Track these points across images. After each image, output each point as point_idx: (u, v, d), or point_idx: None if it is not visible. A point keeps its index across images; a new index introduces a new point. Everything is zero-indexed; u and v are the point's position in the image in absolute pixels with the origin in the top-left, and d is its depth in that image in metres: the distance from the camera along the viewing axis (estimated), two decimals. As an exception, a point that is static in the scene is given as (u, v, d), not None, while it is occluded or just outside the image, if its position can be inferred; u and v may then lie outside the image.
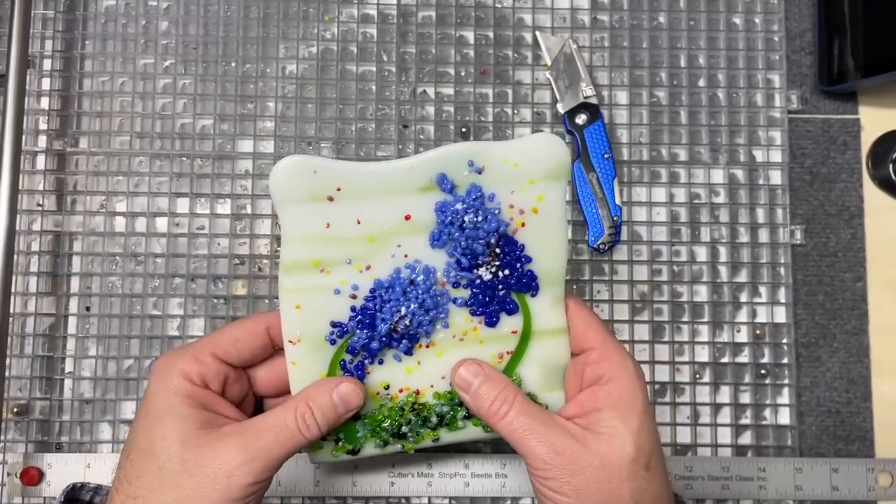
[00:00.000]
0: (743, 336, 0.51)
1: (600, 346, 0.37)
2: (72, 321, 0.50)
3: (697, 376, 0.51)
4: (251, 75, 0.52)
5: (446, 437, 0.39)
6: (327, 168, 0.36)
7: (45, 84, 0.52)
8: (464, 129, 0.52)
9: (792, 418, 0.51)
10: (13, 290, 0.48)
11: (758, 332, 0.51)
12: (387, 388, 0.38)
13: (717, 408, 0.51)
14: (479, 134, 0.52)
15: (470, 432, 0.39)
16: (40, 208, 0.51)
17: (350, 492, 0.48)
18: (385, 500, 0.49)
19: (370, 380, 0.38)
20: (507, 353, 0.38)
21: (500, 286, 0.38)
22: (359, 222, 0.36)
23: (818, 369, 0.52)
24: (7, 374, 0.47)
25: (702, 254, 0.52)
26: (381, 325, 0.37)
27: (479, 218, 0.36)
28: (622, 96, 0.53)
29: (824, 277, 0.52)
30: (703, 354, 0.51)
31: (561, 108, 0.52)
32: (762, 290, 0.52)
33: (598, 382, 0.36)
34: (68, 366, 0.50)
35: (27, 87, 0.49)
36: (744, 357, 0.51)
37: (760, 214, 0.52)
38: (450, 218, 0.36)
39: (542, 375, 0.39)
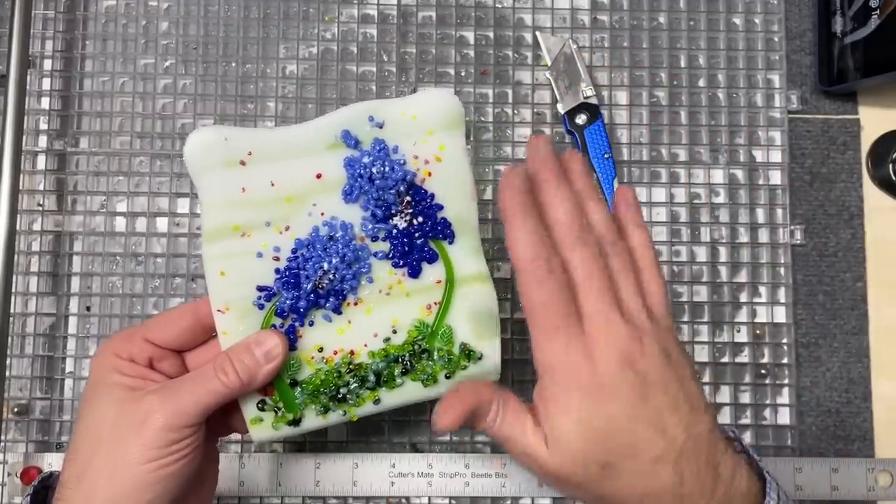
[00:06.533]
0: (743, 336, 0.51)
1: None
2: (72, 321, 0.50)
3: (697, 376, 0.51)
4: (251, 75, 0.52)
5: (387, 398, 0.39)
6: (237, 135, 0.38)
7: (46, 84, 0.52)
8: (464, 129, 0.52)
9: (792, 418, 0.51)
10: (13, 290, 0.48)
11: (758, 332, 0.51)
12: (321, 350, 0.39)
13: (717, 408, 0.51)
14: (479, 135, 0.52)
15: (409, 390, 0.39)
16: (41, 208, 0.51)
17: (350, 492, 0.48)
18: (385, 500, 0.49)
19: (303, 344, 0.39)
20: (435, 304, 0.39)
21: (417, 234, 0.39)
22: (273, 184, 0.38)
23: (818, 369, 0.52)
24: (7, 374, 0.47)
25: (702, 254, 0.52)
26: (305, 283, 0.38)
27: (386, 168, 0.38)
28: (622, 96, 0.53)
29: (824, 277, 0.52)
30: (702, 354, 0.51)
31: (561, 109, 0.52)
32: (762, 290, 0.52)
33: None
34: (68, 366, 0.50)
35: (27, 87, 0.49)
36: (744, 357, 0.51)
37: (760, 214, 0.52)
38: (359, 171, 0.38)
39: (473, 324, 0.39)
